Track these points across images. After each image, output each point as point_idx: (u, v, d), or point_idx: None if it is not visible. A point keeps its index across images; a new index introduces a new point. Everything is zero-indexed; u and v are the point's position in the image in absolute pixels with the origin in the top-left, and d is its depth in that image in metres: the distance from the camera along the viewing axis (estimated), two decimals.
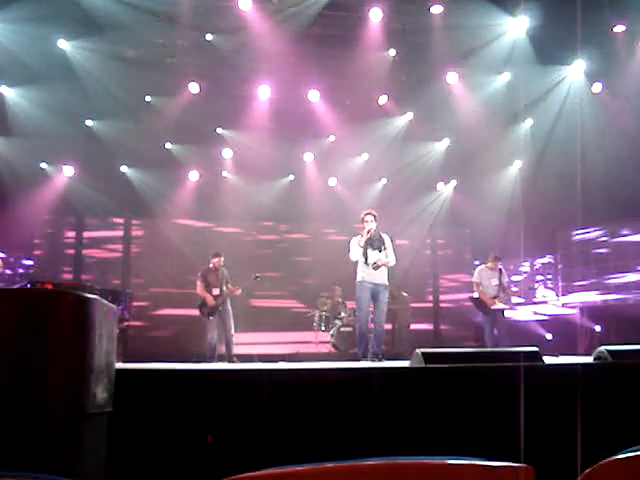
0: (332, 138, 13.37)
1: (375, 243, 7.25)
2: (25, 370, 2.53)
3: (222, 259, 9.53)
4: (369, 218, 7.30)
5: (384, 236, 7.39)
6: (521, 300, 13.86)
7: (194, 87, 11.74)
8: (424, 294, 15.11)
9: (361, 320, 7.24)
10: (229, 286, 9.39)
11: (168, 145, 13.04)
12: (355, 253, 7.30)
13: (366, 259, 7.19)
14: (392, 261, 7.35)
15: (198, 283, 9.45)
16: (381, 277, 7.27)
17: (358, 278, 7.29)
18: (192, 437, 3.50)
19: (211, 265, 9.50)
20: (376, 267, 7.19)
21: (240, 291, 9.48)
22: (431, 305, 15.30)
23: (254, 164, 13.14)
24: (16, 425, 2.46)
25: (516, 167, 13.79)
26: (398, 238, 14.85)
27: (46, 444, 2.50)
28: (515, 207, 13.35)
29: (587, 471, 1.47)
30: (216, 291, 9.32)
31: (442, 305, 15.37)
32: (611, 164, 11.01)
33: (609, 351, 4.58)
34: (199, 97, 11.88)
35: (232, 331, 9.30)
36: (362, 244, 7.23)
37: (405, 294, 12.91)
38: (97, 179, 12.63)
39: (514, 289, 12.36)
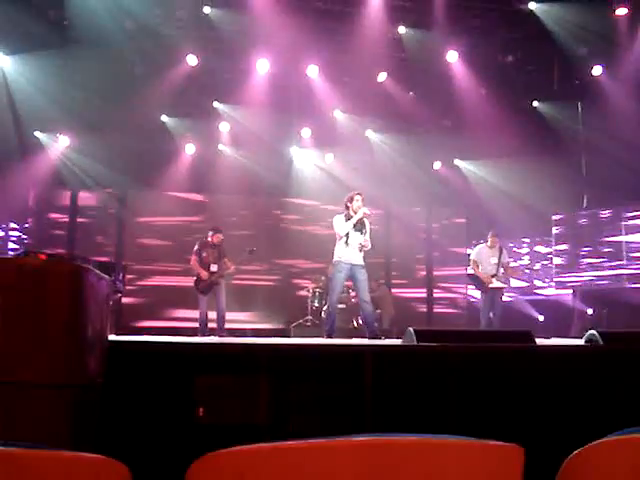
0: (330, 114, 13.28)
1: (358, 225, 7.26)
2: (18, 339, 2.52)
3: (221, 235, 9.38)
4: (358, 198, 7.30)
5: (365, 220, 7.36)
6: (521, 281, 13.88)
7: (192, 59, 11.60)
8: (416, 274, 15.18)
9: (332, 299, 7.31)
10: (225, 261, 9.30)
11: (164, 118, 12.96)
12: (343, 230, 7.25)
13: (347, 240, 7.19)
14: (369, 246, 7.34)
15: (193, 257, 9.36)
16: (359, 258, 7.27)
17: (335, 258, 7.30)
18: (183, 410, 3.52)
19: (209, 239, 9.40)
20: (360, 248, 7.21)
21: (234, 268, 9.39)
22: (423, 276, 15.37)
23: (251, 138, 13.07)
24: (8, 394, 2.46)
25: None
26: (393, 216, 14.95)
27: (37, 413, 2.51)
28: (512, 188, 13.34)
29: (575, 453, 1.48)
30: (214, 267, 9.19)
31: (435, 278, 15.43)
32: (610, 147, 10.98)
33: (600, 334, 4.60)
34: (197, 69, 11.75)
35: (223, 305, 9.25)
36: (354, 222, 7.21)
37: (385, 286, 12.92)
38: (92, 150, 12.55)
39: (513, 264, 12.31)
